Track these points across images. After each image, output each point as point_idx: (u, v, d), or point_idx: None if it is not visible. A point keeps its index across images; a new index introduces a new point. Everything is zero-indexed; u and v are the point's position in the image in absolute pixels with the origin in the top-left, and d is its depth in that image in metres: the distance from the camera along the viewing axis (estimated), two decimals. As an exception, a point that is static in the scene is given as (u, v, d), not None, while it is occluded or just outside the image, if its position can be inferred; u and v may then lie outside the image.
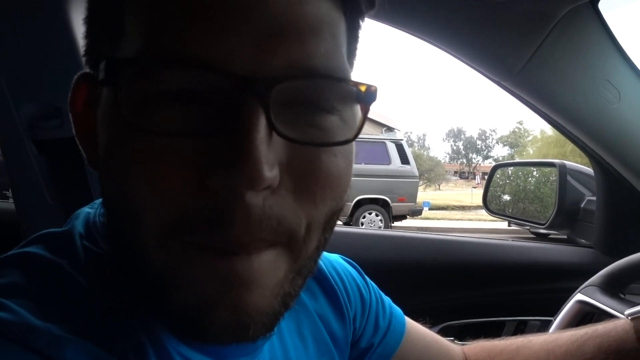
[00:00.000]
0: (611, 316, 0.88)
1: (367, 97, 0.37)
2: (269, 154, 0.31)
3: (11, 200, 1.30)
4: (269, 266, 0.34)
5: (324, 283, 0.62)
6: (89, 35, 0.40)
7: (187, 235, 0.33)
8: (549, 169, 1.63)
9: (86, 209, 0.46)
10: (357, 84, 0.37)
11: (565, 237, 1.93)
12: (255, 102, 0.31)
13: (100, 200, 0.44)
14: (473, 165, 60.67)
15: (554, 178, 1.43)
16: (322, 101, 0.35)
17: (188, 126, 0.32)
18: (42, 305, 0.34)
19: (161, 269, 0.34)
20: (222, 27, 0.31)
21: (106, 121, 0.36)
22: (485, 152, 61.07)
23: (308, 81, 0.34)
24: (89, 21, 0.40)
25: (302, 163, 0.34)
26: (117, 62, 0.33)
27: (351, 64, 0.42)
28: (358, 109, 0.38)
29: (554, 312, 0.99)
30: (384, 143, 9.49)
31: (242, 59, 0.32)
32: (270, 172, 0.31)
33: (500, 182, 1.87)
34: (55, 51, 0.99)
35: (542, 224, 1.45)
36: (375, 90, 0.37)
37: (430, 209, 17.07)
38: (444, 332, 1.38)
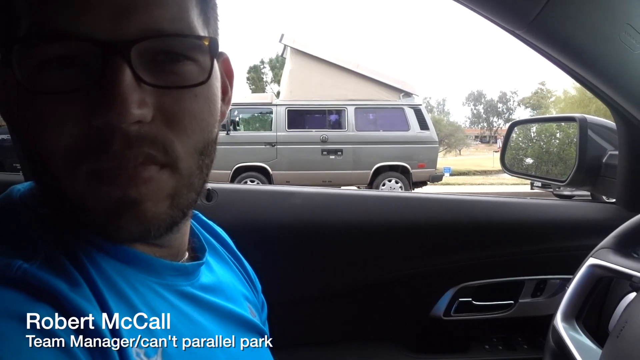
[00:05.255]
0: (627, 276, 0.85)
1: (212, 47, 0.47)
2: (135, 96, 0.41)
3: (21, 173, 1.35)
4: (156, 184, 0.45)
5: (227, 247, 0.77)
6: None
7: (84, 163, 0.42)
8: (572, 130, 1.57)
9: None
10: (200, 37, 0.47)
11: (590, 199, 1.89)
12: (118, 59, 0.41)
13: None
14: (494, 129, 59.69)
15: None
16: (174, 54, 0.45)
17: (72, 83, 0.42)
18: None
19: (72, 195, 0.44)
20: (84, 6, 0.41)
21: (13, 92, 0.45)
22: (506, 115, 59.82)
23: (158, 40, 0.44)
24: None
25: (170, 102, 0.45)
26: (8, 42, 0.42)
27: (207, 22, 0.51)
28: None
29: (575, 270, 0.96)
30: (402, 109, 9.34)
31: (101, 28, 0.41)
32: (139, 110, 0.41)
33: (522, 145, 1.82)
34: None
35: (563, 181, 1.41)
36: (216, 42, 0.48)
37: (451, 175, 16.91)
38: (461, 293, 1.38)
